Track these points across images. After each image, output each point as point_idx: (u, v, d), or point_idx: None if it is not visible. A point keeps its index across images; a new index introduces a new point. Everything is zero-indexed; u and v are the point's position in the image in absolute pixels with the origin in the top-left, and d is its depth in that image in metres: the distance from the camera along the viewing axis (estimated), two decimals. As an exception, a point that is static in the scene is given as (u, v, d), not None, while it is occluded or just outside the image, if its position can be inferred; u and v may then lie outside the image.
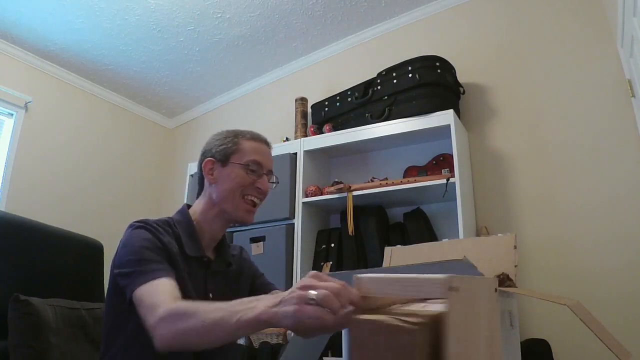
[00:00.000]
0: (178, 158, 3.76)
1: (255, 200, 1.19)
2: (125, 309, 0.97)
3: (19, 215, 1.24)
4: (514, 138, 2.46)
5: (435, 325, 0.52)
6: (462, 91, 2.55)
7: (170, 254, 1.04)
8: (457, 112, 2.43)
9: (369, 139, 2.52)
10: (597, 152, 2.22)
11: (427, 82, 2.38)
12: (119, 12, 2.67)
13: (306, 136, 2.81)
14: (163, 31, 2.87)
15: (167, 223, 1.12)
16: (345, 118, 2.70)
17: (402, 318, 0.52)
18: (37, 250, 1.22)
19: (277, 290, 1.32)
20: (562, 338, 2.00)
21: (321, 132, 2.73)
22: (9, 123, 2.84)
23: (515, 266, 1.26)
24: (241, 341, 2.44)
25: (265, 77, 3.46)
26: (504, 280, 1.13)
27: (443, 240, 1.77)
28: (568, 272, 2.15)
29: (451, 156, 2.28)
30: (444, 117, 2.31)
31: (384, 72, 2.56)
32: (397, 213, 2.58)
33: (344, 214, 2.50)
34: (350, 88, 2.70)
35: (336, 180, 2.69)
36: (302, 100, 2.98)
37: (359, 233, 2.45)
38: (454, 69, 2.52)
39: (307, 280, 0.67)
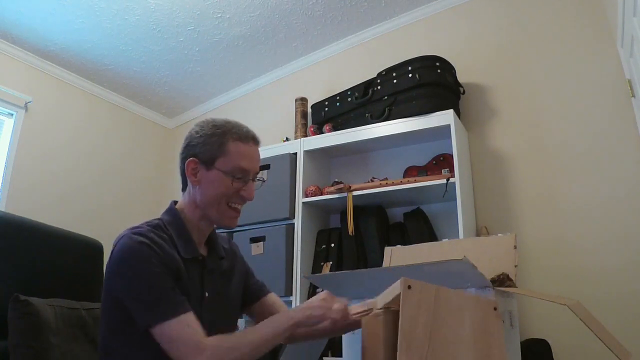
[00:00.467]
0: (178, 158, 3.75)
1: (240, 206, 1.16)
2: (127, 330, 0.98)
3: (19, 215, 1.24)
4: (514, 138, 2.46)
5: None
6: (462, 91, 2.55)
7: (175, 267, 1.02)
8: (457, 112, 2.43)
9: (369, 139, 2.52)
10: (597, 152, 2.22)
11: (427, 82, 2.38)
12: (119, 12, 2.67)
13: (306, 136, 2.81)
14: (163, 31, 2.87)
15: (159, 228, 1.08)
16: (345, 118, 2.70)
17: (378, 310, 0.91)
18: (37, 250, 1.22)
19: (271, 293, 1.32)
20: (562, 338, 2.00)
21: (321, 132, 2.73)
22: (9, 123, 2.84)
23: (515, 266, 1.26)
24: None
25: (265, 77, 3.46)
26: (504, 280, 1.13)
27: (443, 240, 1.77)
28: (568, 272, 2.15)
29: (451, 156, 2.28)
30: (444, 117, 2.31)
31: (384, 72, 2.56)
32: (397, 213, 2.58)
33: (344, 214, 2.50)
34: (350, 88, 2.70)
35: (336, 180, 2.69)
36: (302, 100, 2.98)
37: (359, 233, 2.45)
38: (454, 69, 2.52)
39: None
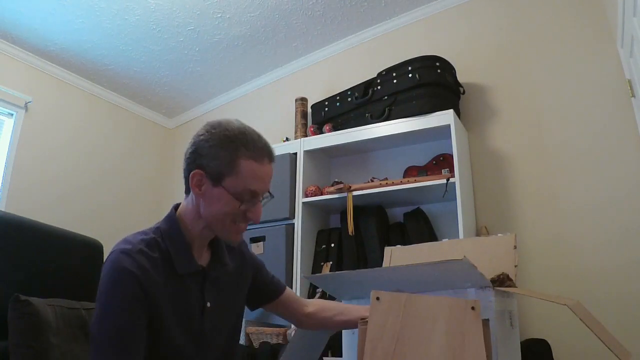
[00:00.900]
0: (178, 158, 3.73)
1: (246, 224, 1.07)
2: None
3: (19, 215, 1.24)
4: (514, 138, 2.46)
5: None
6: (462, 91, 2.55)
7: (156, 297, 0.95)
8: (457, 112, 2.43)
9: (369, 139, 2.52)
10: (597, 152, 2.22)
11: (427, 82, 2.38)
12: (119, 12, 2.67)
13: (306, 136, 2.81)
14: (163, 31, 2.87)
15: (153, 244, 1.01)
16: (345, 118, 2.70)
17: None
18: (37, 250, 1.21)
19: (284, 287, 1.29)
20: (562, 338, 2.00)
21: (321, 132, 2.73)
22: (9, 123, 2.84)
23: (515, 266, 1.26)
24: (241, 341, 2.44)
25: (265, 77, 3.46)
26: (504, 280, 1.13)
27: (443, 240, 1.77)
28: (568, 272, 2.15)
29: (451, 156, 2.28)
30: (444, 117, 2.31)
31: (384, 72, 2.56)
32: (397, 213, 2.58)
33: (344, 214, 2.50)
34: (350, 88, 2.70)
35: (336, 180, 2.69)
36: (302, 100, 2.98)
37: (359, 233, 2.45)
38: (454, 69, 2.52)
39: None
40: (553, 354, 1.93)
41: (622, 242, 2.07)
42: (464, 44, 2.72)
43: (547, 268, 2.20)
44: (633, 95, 2.03)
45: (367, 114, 2.57)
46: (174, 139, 3.92)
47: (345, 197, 2.45)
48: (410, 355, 0.86)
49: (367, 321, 0.91)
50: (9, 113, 2.83)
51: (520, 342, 1.29)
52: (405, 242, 2.33)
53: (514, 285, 1.16)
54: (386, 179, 2.51)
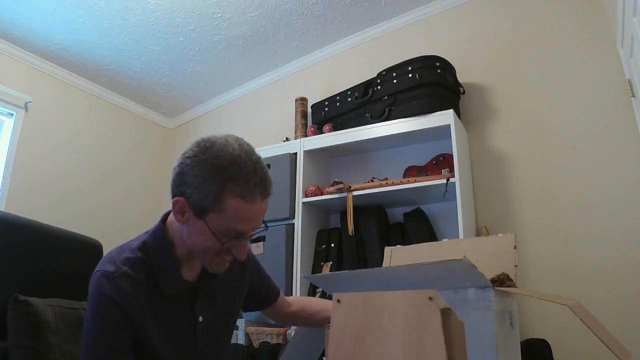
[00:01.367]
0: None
1: (230, 257, 0.99)
2: None
3: (19, 215, 1.24)
4: (514, 138, 2.46)
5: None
6: (462, 91, 2.55)
7: (139, 325, 0.92)
8: (457, 112, 2.43)
9: (369, 139, 2.52)
10: (597, 152, 2.22)
11: (427, 82, 2.38)
12: (119, 12, 2.67)
13: (306, 136, 2.81)
14: (163, 31, 2.87)
15: (138, 264, 0.96)
16: (345, 118, 2.70)
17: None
18: (37, 250, 1.21)
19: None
20: (562, 338, 2.00)
21: (321, 132, 2.73)
22: (9, 123, 2.84)
23: (515, 266, 1.26)
24: (241, 341, 2.44)
25: (265, 77, 3.46)
26: (504, 280, 1.13)
27: (443, 240, 1.77)
28: (568, 272, 2.15)
29: (451, 156, 2.28)
30: (444, 117, 2.30)
31: (384, 72, 2.55)
32: (397, 213, 2.58)
33: (344, 214, 2.50)
34: (350, 88, 2.70)
35: (336, 180, 2.69)
36: (302, 100, 2.98)
37: (359, 233, 2.45)
38: (454, 69, 2.52)
39: None
40: (553, 354, 1.93)
41: (623, 241, 2.07)
42: (464, 44, 2.72)
43: (547, 268, 2.20)
44: (633, 95, 2.03)
45: (367, 114, 2.57)
46: (173, 139, 3.92)
47: (345, 197, 2.45)
48: (370, 353, 0.86)
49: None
50: (9, 113, 2.83)
51: (520, 342, 1.29)
52: (405, 242, 2.33)
53: (514, 285, 1.16)
54: (386, 179, 2.51)
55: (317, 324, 1.26)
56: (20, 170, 2.83)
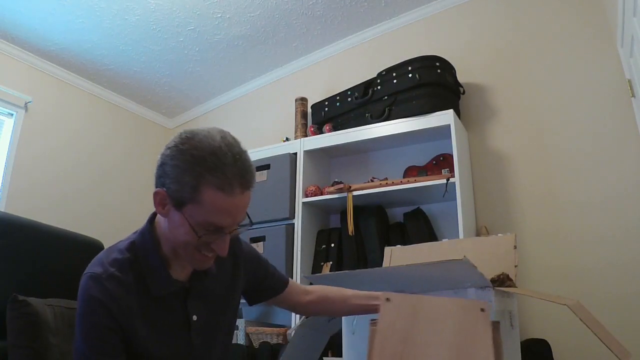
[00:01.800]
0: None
1: (212, 254, 0.96)
2: None
3: (19, 215, 1.24)
4: (514, 138, 2.46)
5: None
6: (462, 91, 2.55)
7: (128, 327, 0.91)
8: (457, 112, 2.43)
9: (369, 139, 2.52)
10: (597, 152, 2.22)
11: (427, 82, 2.38)
12: (119, 12, 2.67)
13: (306, 136, 2.81)
14: (163, 31, 2.87)
15: (128, 263, 0.95)
16: (345, 118, 2.70)
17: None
18: (37, 250, 1.21)
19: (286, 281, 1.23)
20: (562, 338, 2.00)
21: (321, 132, 2.73)
22: (9, 123, 2.84)
23: (515, 266, 1.26)
24: (241, 341, 2.44)
25: (265, 77, 3.46)
26: (504, 280, 1.13)
27: (443, 240, 1.77)
28: (568, 272, 2.15)
29: (451, 156, 2.28)
30: (444, 117, 2.30)
31: (384, 72, 2.55)
32: (397, 213, 2.58)
33: (344, 214, 2.50)
34: (350, 88, 2.70)
35: (336, 180, 2.69)
36: (302, 100, 2.98)
37: (359, 233, 2.45)
38: (454, 69, 2.52)
39: None
40: (553, 354, 1.93)
41: (623, 242, 2.07)
42: (464, 44, 2.72)
43: (547, 268, 2.20)
44: (633, 95, 2.03)
45: (367, 114, 2.57)
46: (174, 139, 3.92)
47: (345, 197, 2.45)
48: (418, 357, 0.86)
49: (377, 322, 0.92)
50: (9, 113, 2.83)
51: (520, 342, 1.29)
52: (405, 242, 2.33)
53: (514, 285, 1.16)
54: (386, 179, 2.51)
55: (335, 315, 1.25)
56: (20, 170, 2.82)
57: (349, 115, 2.68)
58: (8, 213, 1.27)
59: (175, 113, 3.88)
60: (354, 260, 2.41)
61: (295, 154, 2.71)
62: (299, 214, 2.57)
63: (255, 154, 2.81)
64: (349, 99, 2.68)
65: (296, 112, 2.96)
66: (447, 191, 2.21)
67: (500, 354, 0.89)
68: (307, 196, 2.59)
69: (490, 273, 1.12)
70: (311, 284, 1.32)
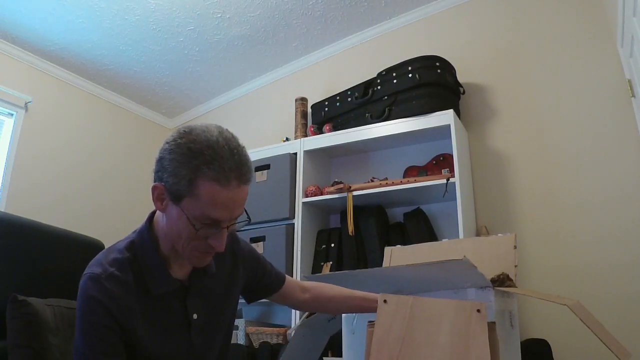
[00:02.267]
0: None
1: (211, 251, 0.96)
2: None
3: (19, 215, 1.24)
4: (514, 138, 2.46)
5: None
6: (462, 91, 2.55)
7: (128, 327, 0.91)
8: (457, 112, 2.43)
9: (369, 139, 2.52)
10: (597, 152, 2.22)
11: (427, 82, 2.38)
12: (119, 12, 2.67)
13: (306, 136, 2.81)
14: (163, 31, 2.87)
15: (127, 263, 0.95)
16: (345, 118, 2.70)
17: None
18: (37, 250, 1.21)
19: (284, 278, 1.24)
20: (562, 338, 2.00)
21: (321, 132, 2.73)
22: (9, 123, 2.84)
23: (515, 266, 1.26)
24: (241, 341, 2.44)
25: (265, 77, 3.46)
26: (504, 280, 1.13)
27: (443, 240, 1.77)
28: (568, 272, 2.15)
29: (451, 156, 2.28)
30: (444, 117, 2.31)
31: (384, 72, 2.55)
32: (397, 213, 2.58)
33: (344, 214, 2.50)
34: (350, 88, 2.70)
35: (336, 180, 2.69)
36: (302, 100, 2.98)
37: (359, 233, 2.45)
38: (454, 69, 2.52)
39: None
40: (553, 354, 1.93)
41: (623, 242, 2.07)
42: (464, 44, 2.72)
43: (547, 268, 2.20)
44: (633, 95, 2.03)
45: (367, 114, 2.57)
46: (174, 139, 3.92)
47: (345, 197, 2.45)
48: (415, 357, 0.87)
49: (374, 323, 0.93)
50: (9, 113, 2.83)
51: (520, 342, 1.29)
52: (405, 242, 2.33)
53: (514, 285, 1.16)
54: (386, 179, 2.51)
55: (331, 312, 1.27)
56: (20, 170, 2.82)
57: (349, 115, 2.68)
58: (8, 213, 1.27)
59: (175, 113, 3.88)
60: (354, 260, 2.41)
61: (295, 154, 2.71)
62: (299, 214, 2.57)
63: (255, 154, 2.81)
64: (349, 99, 2.68)
65: (296, 112, 2.96)
66: (447, 191, 2.21)
67: (497, 355, 0.89)
68: (307, 196, 2.59)
69: (490, 273, 1.12)
70: (311, 283, 1.32)
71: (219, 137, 0.91)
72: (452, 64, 2.50)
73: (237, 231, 1.04)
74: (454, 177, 2.21)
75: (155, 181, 0.93)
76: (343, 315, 1.35)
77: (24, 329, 1.04)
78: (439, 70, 2.41)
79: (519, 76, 2.52)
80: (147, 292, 0.96)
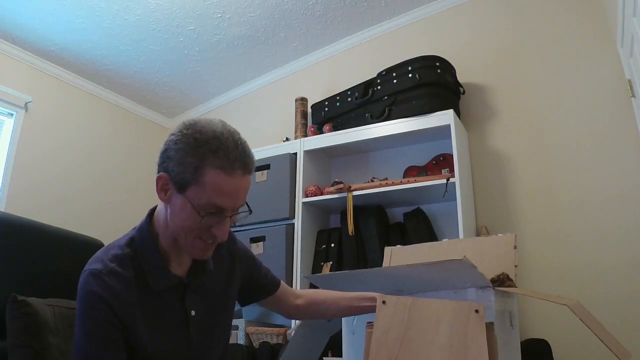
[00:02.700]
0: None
1: (211, 241, 0.98)
2: None
3: (19, 215, 1.24)
4: (514, 138, 2.46)
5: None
6: (462, 91, 2.55)
7: (129, 322, 0.92)
8: (457, 112, 2.43)
9: (369, 139, 2.52)
10: (597, 152, 2.22)
11: (427, 82, 2.38)
12: (119, 12, 2.67)
13: (306, 136, 2.81)
14: (163, 31, 2.87)
15: (126, 260, 0.95)
16: (345, 118, 2.70)
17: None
18: (37, 250, 1.22)
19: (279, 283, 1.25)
20: (562, 338, 2.00)
21: (321, 132, 2.73)
22: (9, 123, 2.84)
23: (515, 266, 1.26)
24: (241, 341, 2.44)
25: (265, 77, 3.46)
26: (504, 280, 1.13)
27: (443, 240, 1.77)
28: (568, 272, 2.15)
29: (451, 156, 2.28)
30: (444, 117, 2.31)
31: (384, 72, 2.55)
32: (397, 213, 2.58)
33: (344, 214, 2.50)
34: (350, 88, 2.70)
35: (336, 180, 2.69)
36: (302, 100, 2.98)
37: (359, 233, 2.45)
38: (454, 69, 2.52)
39: None
40: (553, 354, 1.93)
41: (623, 242, 2.07)
42: (464, 44, 2.72)
43: (547, 268, 2.20)
44: (633, 95, 2.03)
45: (367, 114, 2.57)
46: (174, 139, 3.91)
47: (345, 197, 2.45)
48: (413, 358, 0.88)
49: (373, 324, 0.94)
50: (9, 113, 2.83)
51: (520, 342, 1.29)
52: (405, 242, 2.33)
53: (514, 285, 1.16)
54: (386, 179, 2.51)
55: (325, 317, 1.26)
56: (20, 170, 2.82)
57: (349, 115, 2.68)
58: (8, 213, 1.27)
59: (175, 113, 3.88)
60: (354, 260, 2.41)
61: (295, 154, 2.71)
62: (299, 214, 2.57)
63: (255, 154, 2.79)
64: (349, 99, 2.68)
65: (296, 112, 2.96)
66: (447, 191, 2.21)
67: (495, 356, 0.89)
68: (307, 196, 2.59)
69: (490, 273, 1.12)
70: (311, 283, 1.33)
71: (223, 129, 0.94)
72: (452, 64, 2.50)
73: (237, 233, 1.05)
74: (454, 177, 2.21)
75: (159, 172, 0.95)
76: (343, 315, 1.35)
77: (24, 329, 1.04)
78: (439, 70, 2.41)
79: (519, 76, 2.52)
80: (147, 288, 0.96)
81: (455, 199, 2.18)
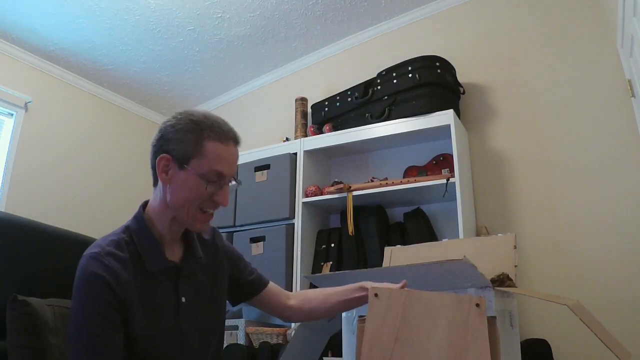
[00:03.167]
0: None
1: (212, 211, 1.07)
2: None
3: (19, 215, 1.24)
4: (514, 138, 2.46)
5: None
6: (462, 91, 2.55)
7: (126, 301, 0.95)
8: (457, 112, 2.43)
9: (369, 139, 2.52)
10: (597, 152, 2.22)
11: (427, 82, 2.38)
12: (119, 12, 2.67)
13: (306, 136, 2.81)
14: (163, 31, 2.87)
15: (123, 244, 1.01)
16: (345, 118, 2.70)
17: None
18: (37, 250, 1.21)
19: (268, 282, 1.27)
20: (562, 338, 2.00)
21: (321, 132, 2.73)
22: (9, 123, 2.84)
23: (515, 266, 1.26)
24: (241, 341, 2.44)
25: (265, 77, 3.46)
26: (504, 280, 1.13)
27: (443, 240, 1.78)
28: (567, 272, 2.15)
29: (451, 156, 2.28)
30: (444, 117, 2.31)
31: (384, 72, 2.56)
32: (397, 213, 2.58)
33: (344, 214, 2.50)
34: (350, 88, 2.70)
35: (336, 180, 2.69)
36: (302, 100, 2.98)
37: (359, 233, 2.45)
38: (454, 69, 2.52)
39: None
40: (553, 354, 1.93)
41: (623, 241, 2.07)
42: (464, 43, 2.72)
43: (546, 268, 2.20)
44: (633, 95, 2.03)
45: (367, 114, 2.57)
46: (174, 139, 3.92)
47: (345, 197, 2.45)
48: (409, 355, 0.82)
49: (365, 318, 0.88)
50: (9, 113, 2.83)
51: (520, 342, 1.29)
52: (405, 242, 2.33)
53: (514, 285, 1.16)
54: (386, 179, 2.51)
55: (319, 316, 1.25)
56: (20, 170, 2.82)
57: (349, 115, 2.68)
58: (8, 213, 1.27)
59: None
60: (354, 260, 2.41)
61: (295, 154, 2.71)
62: (299, 214, 2.57)
63: (255, 154, 2.81)
64: (349, 99, 2.68)
65: (296, 112, 2.96)
66: (447, 191, 2.21)
67: (498, 352, 0.86)
68: (307, 196, 2.59)
69: (490, 273, 1.12)
70: (311, 283, 1.33)
71: (209, 112, 1.10)
72: (452, 64, 2.50)
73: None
74: (454, 177, 2.21)
75: (158, 155, 1.05)
76: (343, 314, 1.35)
77: (24, 329, 1.04)
78: (439, 70, 2.41)
79: (519, 76, 2.52)
80: (143, 269, 1.01)
81: (455, 199, 2.18)
